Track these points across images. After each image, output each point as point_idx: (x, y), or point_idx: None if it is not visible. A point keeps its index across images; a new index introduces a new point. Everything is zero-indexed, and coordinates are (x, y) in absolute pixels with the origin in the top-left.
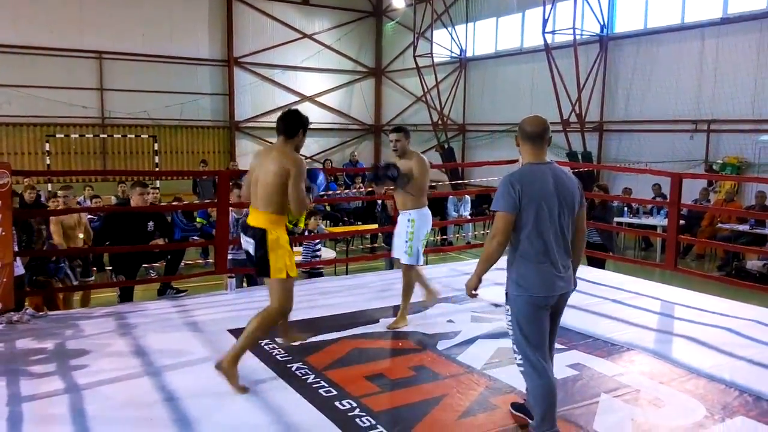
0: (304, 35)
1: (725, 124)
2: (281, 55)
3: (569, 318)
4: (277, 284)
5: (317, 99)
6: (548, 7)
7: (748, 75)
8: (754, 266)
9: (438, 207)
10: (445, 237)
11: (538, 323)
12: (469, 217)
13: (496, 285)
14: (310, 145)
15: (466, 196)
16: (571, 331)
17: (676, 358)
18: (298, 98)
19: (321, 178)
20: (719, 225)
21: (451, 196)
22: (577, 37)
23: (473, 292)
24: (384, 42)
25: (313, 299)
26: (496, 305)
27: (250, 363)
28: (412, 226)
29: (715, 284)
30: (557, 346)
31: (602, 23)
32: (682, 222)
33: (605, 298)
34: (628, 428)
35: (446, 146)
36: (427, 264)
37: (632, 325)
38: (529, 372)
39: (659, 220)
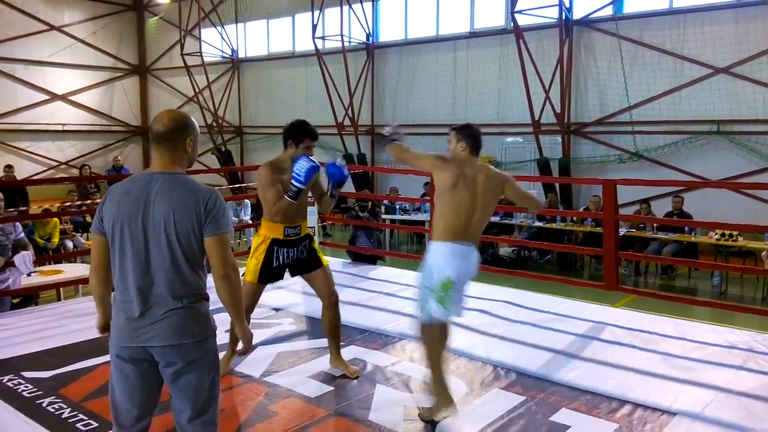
0: (52, 27)
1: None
2: (23, 48)
3: (346, 314)
4: None
5: (71, 98)
6: (317, 13)
7: (493, 84)
8: (505, 253)
9: None
10: None
11: (121, 385)
12: (251, 222)
13: (278, 289)
14: (66, 149)
15: (246, 200)
16: (347, 326)
17: None
18: (47, 96)
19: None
20: None
21: (230, 201)
22: (346, 44)
23: None
24: (147, 38)
25: (66, 323)
26: (277, 309)
27: None
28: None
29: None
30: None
31: (368, 32)
32: None
33: (379, 292)
34: (399, 414)
35: (223, 149)
36: None
37: (404, 315)
38: None
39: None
